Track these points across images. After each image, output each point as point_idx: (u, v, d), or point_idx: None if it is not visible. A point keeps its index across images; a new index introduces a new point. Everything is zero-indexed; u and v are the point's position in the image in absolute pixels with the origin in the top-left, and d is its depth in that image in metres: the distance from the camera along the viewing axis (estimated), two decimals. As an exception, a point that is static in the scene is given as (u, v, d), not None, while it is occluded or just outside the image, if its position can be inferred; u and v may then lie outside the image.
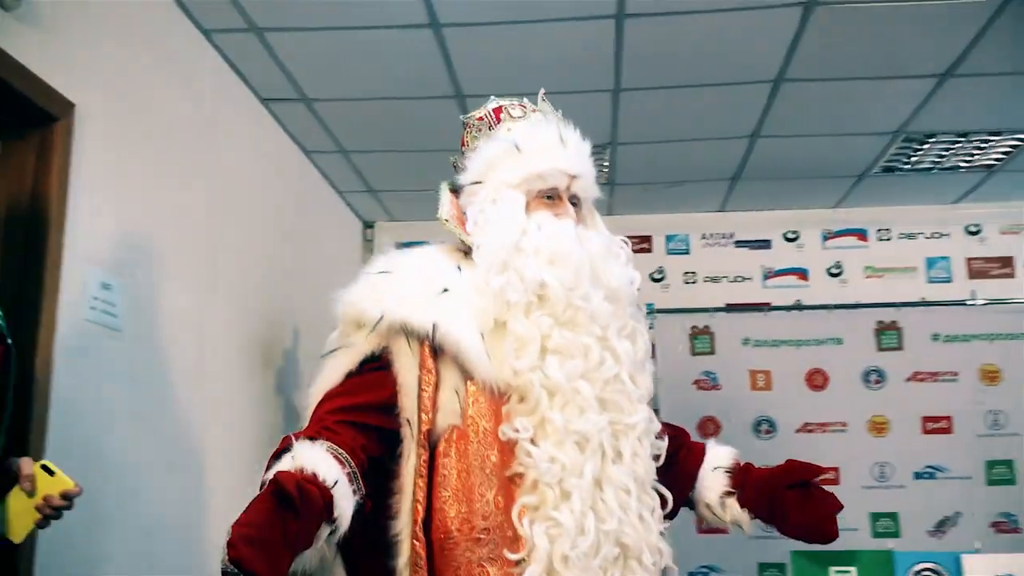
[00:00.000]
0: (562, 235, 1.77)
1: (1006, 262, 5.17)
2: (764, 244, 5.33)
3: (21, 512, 1.73)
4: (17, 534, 1.74)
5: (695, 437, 2.17)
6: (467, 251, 1.83)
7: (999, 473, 4.40)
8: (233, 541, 1.29)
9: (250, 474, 3.57)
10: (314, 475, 1.43)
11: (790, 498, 1.93)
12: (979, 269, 5.18)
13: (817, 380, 4.64)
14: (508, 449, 1.64)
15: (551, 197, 1.85)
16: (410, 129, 4.09)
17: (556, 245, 1.75)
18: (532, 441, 1.62)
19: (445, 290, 1.72)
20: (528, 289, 1.70)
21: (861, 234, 5.30)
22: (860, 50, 3.38)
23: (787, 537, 1.98)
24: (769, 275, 5.29)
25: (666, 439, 1.85)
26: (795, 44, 3.32)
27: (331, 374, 1.74)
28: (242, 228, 3.58)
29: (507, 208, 1.80)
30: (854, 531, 4.20)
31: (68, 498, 1.75)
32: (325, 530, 1.45)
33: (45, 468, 1.75)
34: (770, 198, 5.08)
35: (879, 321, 4.64)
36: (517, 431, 1.63)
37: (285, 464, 1.46)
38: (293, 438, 1.52)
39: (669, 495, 1.79)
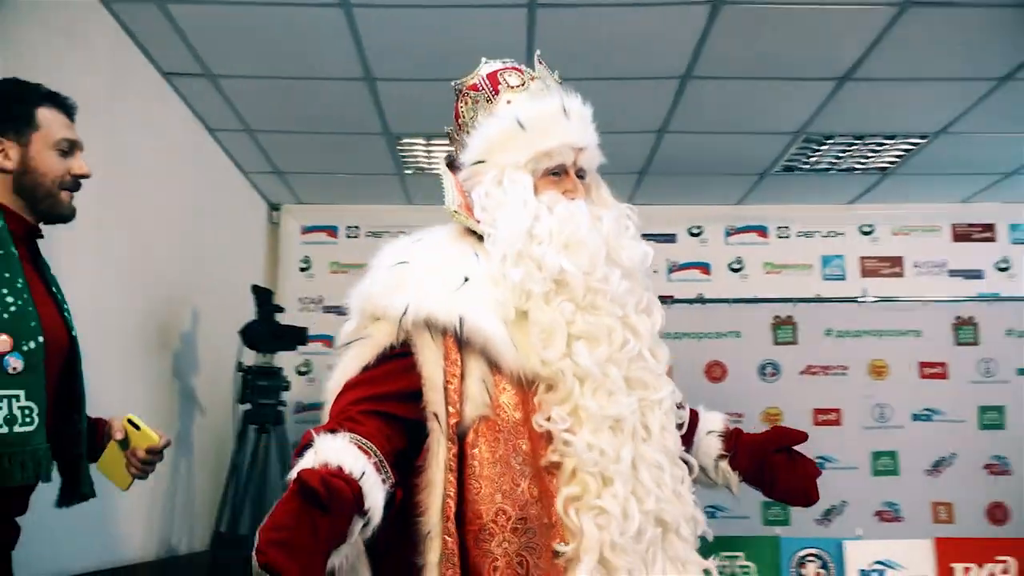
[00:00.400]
0: (576, 219, 1.71)
1: (896, 262, 5.39)
2: (669, 238, 5.43)
3: (120, 464, 1.95)
4: (121, 483, 1.96)
5: None
6: (478, 235, 1.77)
7: (883, 464, 4.59)
8: (261, 547, 1.25)
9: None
10: (339, 468, 1.39)
11: (778, 463, 1.95)
12: (871, 268, 5.39)
13: (716, 372, 4.76)
14: (538, 438, 1.61)
15: (557, 173, 1.78)
16: (319, 110, 4.03)
17: (571, 230, 1.70)
18: (568, 430, 1.59)
19: (466, 279, 1.67)
20: (547, 278, 1.66)
21: (762, 231, 5.46)
22: (764, 51, 3.47)
23: (773, 500, 2.01)
24: (673, 268, 5.40)
25: (687, 408, 1.85)
26: (702, 42, 3.39)
27: (349, 366, 1.67)
28: (139, 205, 3.47)
29: (516, 193, 1.74)
30: (745, 519, 4.32)
31: (153, 452, 1.93)
32: (358, 523, 1.41)
33: (131, 423, 1.94)
34: (676, 193, 5.18)
35: (776, 316, 4.79)
36: (550, 420, 1.60)
37: (308, 460, 1.40)
38: (314, 432, 1.46)
39: (695, 462, 1.79)
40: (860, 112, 4.03)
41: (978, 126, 4.17)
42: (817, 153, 4.56)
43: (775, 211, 5.41)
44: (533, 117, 1.76)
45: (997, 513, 4.54)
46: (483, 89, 1.85)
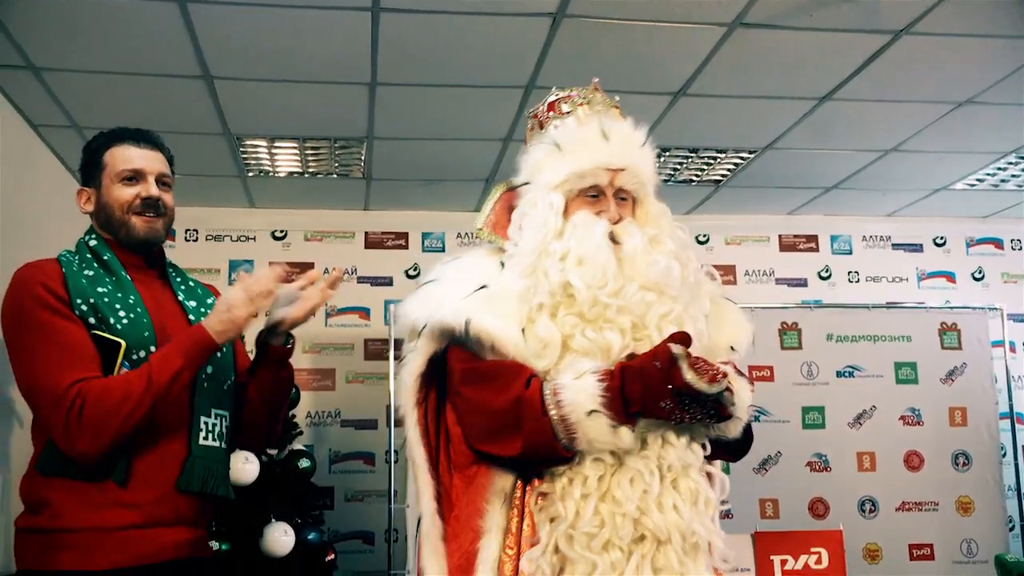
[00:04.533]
0: (590, 235, 1.81)
1: (728, 270, 5.65)
2: (515, 245, 5.50)
3: None
4: None
5: None
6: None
7: (716, 463, 4.80)
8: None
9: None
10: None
11: None
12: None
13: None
14: None
15: (595, 195, 1.87)
16: (153, 108, 3.87)
17: (584, 247, 1.79)
18: None
19: (483, 287, 1.80)
20: (554, 291, 1.77)
21: (605, 239, 5.60)
22: (603, 64, 3.56)
23: None
24: (520, 275, 5.47)
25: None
26: (544, 53, 3.46)
27: (406, 378, 1.86)
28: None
29: (542, 212, 1.84)
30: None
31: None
32: None
33: None
34: (522, 201, 5.24)
35: (617, 322, 4.92)
36: None
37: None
38: (548, 388, 1.69)
39: (724, 480, 1.86)
40: (694, 126, 4.21)
41: (801, 143, 4.43)
42: (656, 165, 4.72)
43: (618, 220, 5.57)
44: (570, 140, 1.89)
45: (818, 508, 4.82)
46: (539, 117, 2.00)
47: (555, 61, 3.52)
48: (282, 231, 5.33)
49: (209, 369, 2.02)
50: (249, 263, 5.27)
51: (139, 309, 2.01)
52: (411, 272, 5.33)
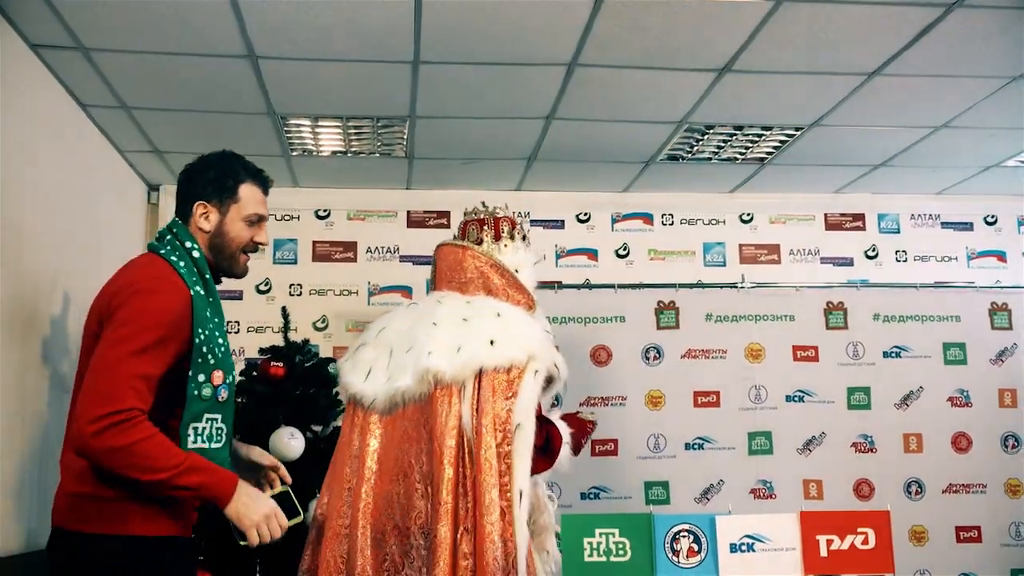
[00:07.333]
0: None
1: (773, 249, 5.59)
2: (558, 224, 5.49)
3: None
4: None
5: None
6: None
7: (759, 444, 4.77)
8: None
9: (6, 446, 3.32)
10: None
11: None
12: (749, 255, 5.57)
13: (601, 356, 4.84)
14: None
15: None
16: (199, 88, 3.91)
17: None
18: None
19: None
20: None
21: (647, 218, 5.57)
22: (647, 41, 3.53)
23: None
24: (561, 254, 5.47)
25: None
26: (588, 30, 3.43)
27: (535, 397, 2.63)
28: (4, 185, 3.30)
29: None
30: (628, 499, 4.42)
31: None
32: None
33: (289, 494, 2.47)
34: (564, 180, 5.24)
35: (659, 301, 4.90)
36: None
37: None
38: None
39: None
40: (739, 103, 4.16)
41: (848, 119, 4.35)
42: (699, 143, 4.68)
43: (660, 199, 5.54)
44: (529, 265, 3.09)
45: (863, 489, 4.78)
46: (501, 228, 3.02)
47: (598, 38, 3.49)
48: (325, 210, 5.37)
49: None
50: (293, 242, 5.32)
51: (225, 338, 2.29)
52: (453, 251, 5.34)
